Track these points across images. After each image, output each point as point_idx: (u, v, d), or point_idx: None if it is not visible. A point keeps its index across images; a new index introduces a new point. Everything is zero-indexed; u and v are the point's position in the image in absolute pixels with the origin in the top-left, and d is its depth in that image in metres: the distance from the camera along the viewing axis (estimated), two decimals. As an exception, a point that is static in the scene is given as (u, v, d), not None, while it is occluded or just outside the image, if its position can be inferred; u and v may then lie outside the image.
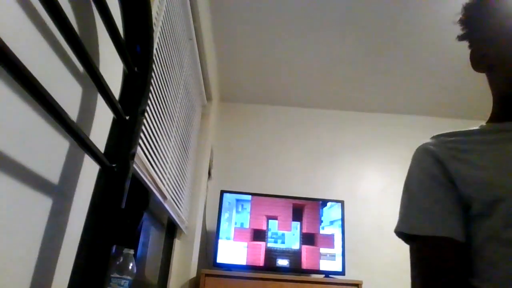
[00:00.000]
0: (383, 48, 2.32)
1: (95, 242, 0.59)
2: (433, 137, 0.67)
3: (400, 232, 0.61)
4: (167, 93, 1.42)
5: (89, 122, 0.65)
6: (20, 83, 0.40)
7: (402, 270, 2.62)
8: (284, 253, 2.19)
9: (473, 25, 0.67)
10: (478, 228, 0.54)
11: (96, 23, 0.65)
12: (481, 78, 2.52)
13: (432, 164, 0.60)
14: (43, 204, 0.54)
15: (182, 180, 1.87)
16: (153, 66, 0.85)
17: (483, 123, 0.66)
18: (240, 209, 2.29)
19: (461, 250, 0.54)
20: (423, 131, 3.04)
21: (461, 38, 0.69)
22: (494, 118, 0.65)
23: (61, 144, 0.58)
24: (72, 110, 0.59)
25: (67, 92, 0.58)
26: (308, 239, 2.24)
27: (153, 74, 1.09)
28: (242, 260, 2.14)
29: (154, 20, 1.15)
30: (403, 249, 2.67)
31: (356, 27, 2.11)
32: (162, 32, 1.30)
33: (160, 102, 1.32)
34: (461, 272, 0.53)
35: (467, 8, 0.67)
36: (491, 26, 0.63)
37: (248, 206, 2.30)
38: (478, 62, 0.67)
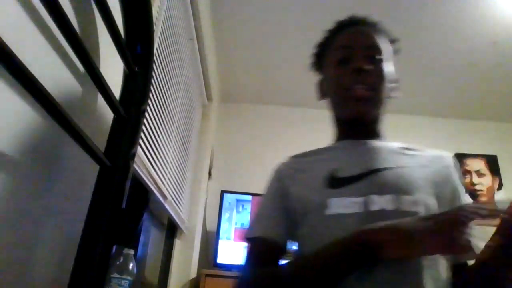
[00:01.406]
0: (384, 48, 2.32)
1: (95, 242, 0.59)
2: (290, 157, 0.81)
3: (245, 238, 0.72)
4: (167, 93, 1.42)
5: (89, 121, 0.65)
6: (20, 83, 0.40)
7: (402, 270, 2.61)
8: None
9: (318, 60, 0.83)
10: (299, 234, 0.66)
11: (97, 22, 0.65)
12: (482, 79, 2.54)
13: (275, 180, 0.74)
14: (43, 204, 0.54)
15: (183, 180, 1.87)
16: (154, 65, 0.85)
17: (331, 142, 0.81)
18: (240, 209, 2.29)
19: (278, 250, 0.67)
20: (423, 131, 3.05)
21: (313, 69, 0.85)
22: (335, 137, 0.80)
23: (61, 144, 0.58)
24: (73, 110, 0.59)
25: (67, 91, 0.58)
26: (309, 239, 2.24)
27: (153, 73, 1.08)
28: (242, 261, 2.14)
29: (154, 20, 1.15)
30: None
31: (357, 27, 2.11)
32: (163, 32, 1.30)
33: (160, 102, 1.31)
34: (274, 266, 0.65)
35: (316, 46, 0.83)
36: (323, 61, 0.80)
37: (248, 206, 2.29)
38: (318, 90, 0.83)
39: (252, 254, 0.68)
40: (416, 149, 0.73)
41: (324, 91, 0.80)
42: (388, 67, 0.73)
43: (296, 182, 0.69)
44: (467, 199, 0.69)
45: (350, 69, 0.69)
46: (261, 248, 0.67)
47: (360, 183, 0.62)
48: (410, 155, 0.70)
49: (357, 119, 0.71)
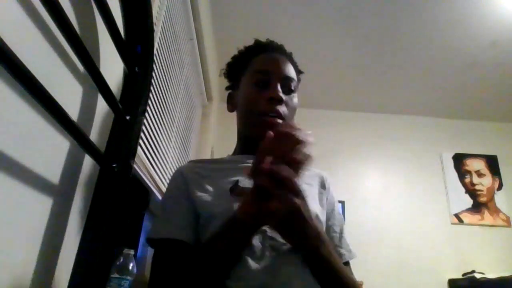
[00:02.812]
0: (383, 48, 2.32)
1: (95, 242, 0.59)
2: (189, 162, 0.84)
3: (148, 239, 0.72)
4: (167, 93, 1.42)
5: (89, 122, 0.65)
6: (21, 83, 0.40)
7: (402, 270, 2.62)
8: (284, 253, 2.18)
9: (231, 77, 0.89)
10: (204, 236, 0.68)
11: (97, 22, 0.65)
12: (482, 79, 2.54)
13: (181, 182, 0.75)
14: (44, 204, 0.54)
15: (182, 180, 1.87)
16: (154, 66, 0.85)
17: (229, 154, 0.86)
18: (240, 209, 2.28)
19: (188, 251, 0.67)
20: (423, 131, 3.05)
21: (227, 87, 0.90)
22: (235, 151, 0.85)
23: (61, 144, 0.58)
24: (73, 110, 0.59)
25: (67, 91, 0.58)
26: (308, 239, 2.23)
27: (153, 74, 1.08)
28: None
29: (154, 20, 1.15)
30: (403, 249, 2.69)
31: (357, 28, 2.11)
32: (163, 32, 1.30)
33: (160, 102, 1.31)
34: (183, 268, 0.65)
35: (228, 65, 0.90)
36: (240, 77, 0.84)
37: (248, 206, 2.29)
38: (228, 103, 0.88)
39: (162, 259, 0.68)
40: None
41: (235, 104, 0.86)
42: (296, 97, 0.82)
43: (201, 188, 0.72)
44: (338, 207, 0.83)
45: (266, 96, 0.75)
46: (171, 250, 0.67)
47: None
48: None
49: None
